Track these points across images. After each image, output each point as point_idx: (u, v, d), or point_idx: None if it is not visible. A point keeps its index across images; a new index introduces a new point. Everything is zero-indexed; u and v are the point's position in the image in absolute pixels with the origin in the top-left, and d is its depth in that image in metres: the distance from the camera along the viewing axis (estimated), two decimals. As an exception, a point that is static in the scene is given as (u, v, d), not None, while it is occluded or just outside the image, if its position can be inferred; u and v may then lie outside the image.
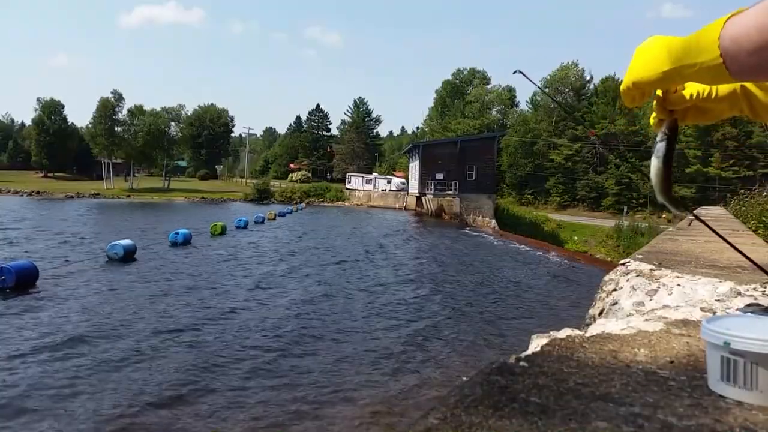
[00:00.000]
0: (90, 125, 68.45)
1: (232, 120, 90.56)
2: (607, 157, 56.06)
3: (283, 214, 39.56)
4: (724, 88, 0.82)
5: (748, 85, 0.82)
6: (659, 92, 0.87)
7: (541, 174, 61.09)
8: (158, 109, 70.56)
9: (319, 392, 7.25)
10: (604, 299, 1.70)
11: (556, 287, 17.04)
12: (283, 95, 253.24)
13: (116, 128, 65.96)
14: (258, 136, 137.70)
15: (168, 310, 11.23)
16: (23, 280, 12.32)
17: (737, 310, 1.14)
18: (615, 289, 1.66)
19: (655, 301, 1.38)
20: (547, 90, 65.13)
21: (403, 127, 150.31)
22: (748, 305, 1.15)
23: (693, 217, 0.81)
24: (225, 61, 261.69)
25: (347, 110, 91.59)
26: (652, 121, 0.90)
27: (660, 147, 0.89)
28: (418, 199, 47.46)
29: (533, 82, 1.11)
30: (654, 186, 0.90)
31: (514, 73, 1.28)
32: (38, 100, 76.35)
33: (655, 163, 0.90)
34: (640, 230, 32.39)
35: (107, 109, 65.08)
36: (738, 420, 0.57)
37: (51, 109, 76.48)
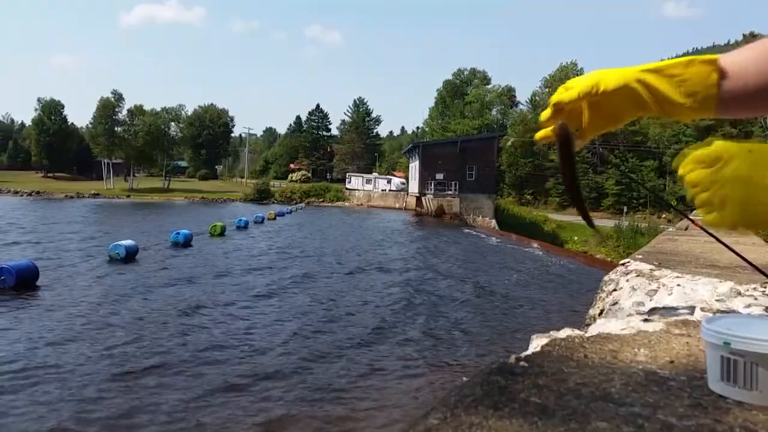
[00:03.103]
0: (90, 125, 68.49)
1: (232, 120, 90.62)
2: (607, 157, 56.12)
3: (282, 214, 39.57)
4: (611, 81, 0.74)
5: (647, 77, 0.74)
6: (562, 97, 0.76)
7: (541, 174, 61.10)
8: (158, 109, 70.65)
9: (317, 393, 7.25)
10: (604, 299, 1.70)
11: (556, 287, 17.03)
12: (283, 95, 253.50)
13: (116, 128, 65.95)
14: (258, 136, 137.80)
15: (169, 310, 11.22)
16: (23, 281, 12.32)
17: (719, 313, 1.14)
18: (615, 289, 1.66)
19: (655, 301, 1.38)
20: (547, 90, 65.18)
21: (403, 127, 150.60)
22: (747, 306, 1.15)
23: (690, 221, 0.74)
24: (225, 61, 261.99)
25: (347, 110, 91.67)
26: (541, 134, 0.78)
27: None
28: (418, 199, 47.45)
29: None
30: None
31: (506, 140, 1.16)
32: (38, 100, 76.43)
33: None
34: (640, 230, 32.37)
35: (107, 109, 65.10)
36: (738, 420, 0.57)
37: (51, 109, 76.49)
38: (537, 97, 67.87)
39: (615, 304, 1.54)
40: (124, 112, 67.23)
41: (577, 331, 0.94)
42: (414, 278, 16.51)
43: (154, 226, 28.22)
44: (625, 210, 47.64)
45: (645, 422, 0.55)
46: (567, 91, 0.75)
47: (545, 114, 0.77)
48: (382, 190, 56.64)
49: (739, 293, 1.29)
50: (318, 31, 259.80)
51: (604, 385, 0.66)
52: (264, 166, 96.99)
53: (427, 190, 45.55)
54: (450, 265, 20.10)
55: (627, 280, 1.63)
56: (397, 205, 52.00)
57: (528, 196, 62.05)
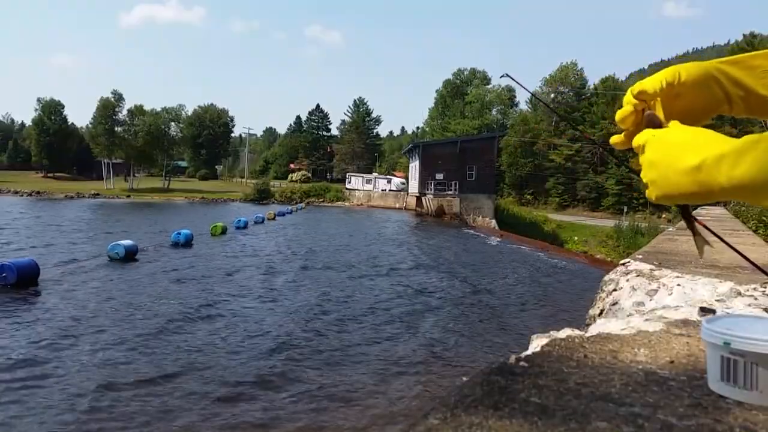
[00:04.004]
0: (90, 125, 68.49)
1: (232, 120, 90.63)
2: (607, 157, 56.11)
3: (282, 214, 39.56)
4: (693, 70, 0.69)
5: (727, 68, 0.69)
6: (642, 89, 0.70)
7: (541, 174, 61.11)
8: (158, 109, 70.65)
9: (318, 393, 7.24)
10: (604, 299, 1.70)
11: (556, 287, 17.03)
12: (283, 95, 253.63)
13: (116, 128, 65.95)
14: (258, 136, 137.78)
15: (167, 310, 11.22)
16: (24, 278, 12.35)
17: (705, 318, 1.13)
18: (615, 289, 1.66)
19: (655, 301, 1.38)
20: (548, 89, 65.16)
21: (403, 127, 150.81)
22: (747, 306, 1.15)
23: (693, 219, 0.71)
24: (225, 61, 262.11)
25: (347, 110, 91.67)
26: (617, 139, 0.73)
27: None
28: (418, 199, 47.43)
29: (522, 86, 1.03)
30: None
31: (502, 77, 1.18)
32: (38, 100, 76.44)
33: None
34: (640, 230, 32.38)
35: (107, 109, 65.11)
36: (738, 420, 0.57)
37: (51, 109, 76.47)
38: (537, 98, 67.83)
39: (615, 304, 1.54)
40: (124, 112, 67.31)
41: (577, 331, 0.94)
42: (414, 278, 16.51)
43: (154, 226, 28.21)
44: (625, 210, 47.62)
45: (645, 422, 0.55)
46: (649, 81, 0.70)
47: (623, 112, 0.71)
48: (382, 190, 56.61)
49: (739, 293, 1.29)
50: (318, 31, 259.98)
51: (604, 385, 0.66)
52: (264, 166, 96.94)
53: (427, 190, 45.55)
54: (450, 265, 20.10)
55: (627, 280, 1.63)
56: (397, 205, 51.97)
57: (528, 196, 62.06)
